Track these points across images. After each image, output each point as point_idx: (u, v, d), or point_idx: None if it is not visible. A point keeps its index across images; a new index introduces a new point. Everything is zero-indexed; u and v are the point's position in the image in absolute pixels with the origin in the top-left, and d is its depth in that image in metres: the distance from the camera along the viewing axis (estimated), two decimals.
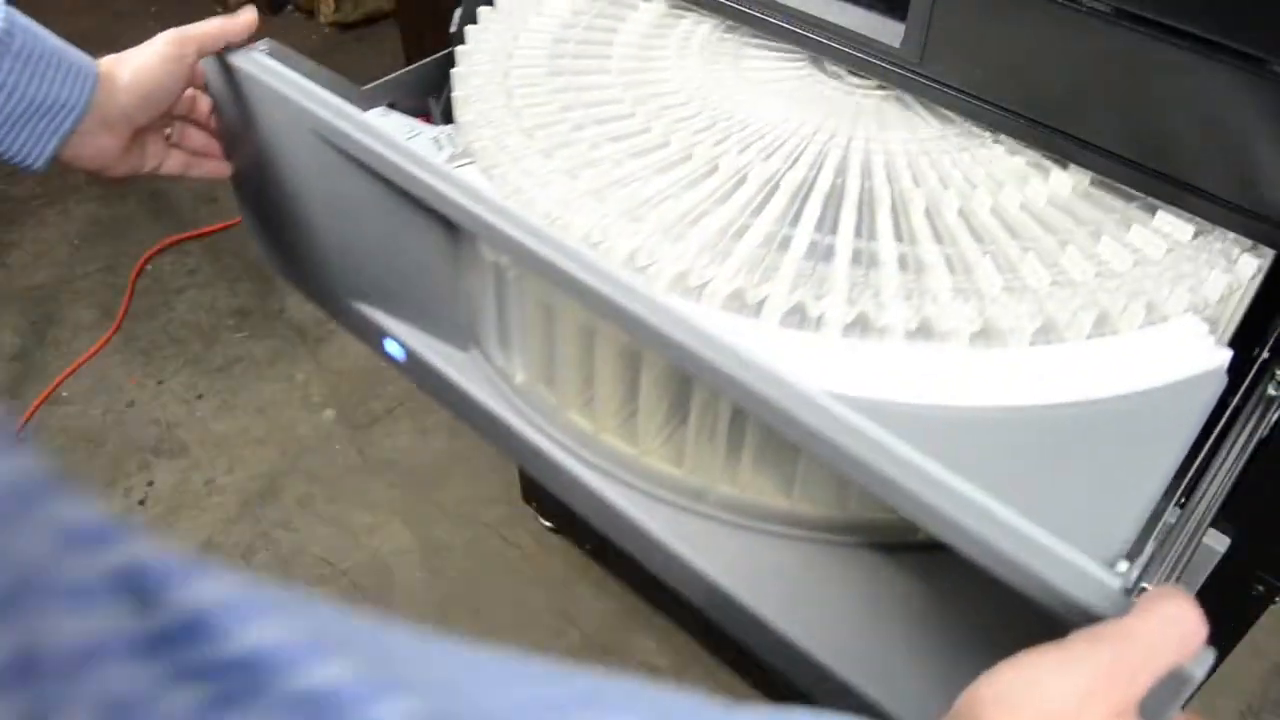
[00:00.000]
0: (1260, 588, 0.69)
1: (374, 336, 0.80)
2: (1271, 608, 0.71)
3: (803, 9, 0.79)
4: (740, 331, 0.62)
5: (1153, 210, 0.72)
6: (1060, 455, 0.63)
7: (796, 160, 0.74)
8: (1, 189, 2.35)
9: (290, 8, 2.47)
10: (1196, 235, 0.70)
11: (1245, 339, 0.73)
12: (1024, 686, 0.38)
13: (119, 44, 0.73)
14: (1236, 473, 0.61)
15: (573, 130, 0.75)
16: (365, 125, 0.67)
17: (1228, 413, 0.65)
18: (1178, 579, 0.58)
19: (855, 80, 0.84)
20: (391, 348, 0.79)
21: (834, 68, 0.85)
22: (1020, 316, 0.64)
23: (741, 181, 0.72)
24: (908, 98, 0.82)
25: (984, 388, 0.60)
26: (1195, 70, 0.62)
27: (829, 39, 0.79)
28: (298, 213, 0.79)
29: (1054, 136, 0.71)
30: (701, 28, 0.90)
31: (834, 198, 0.71)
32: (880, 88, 0.83)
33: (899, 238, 0.69)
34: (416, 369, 0.78)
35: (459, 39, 0.85)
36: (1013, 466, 0.61)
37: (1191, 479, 0.61)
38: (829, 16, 0.78)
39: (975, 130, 0.80)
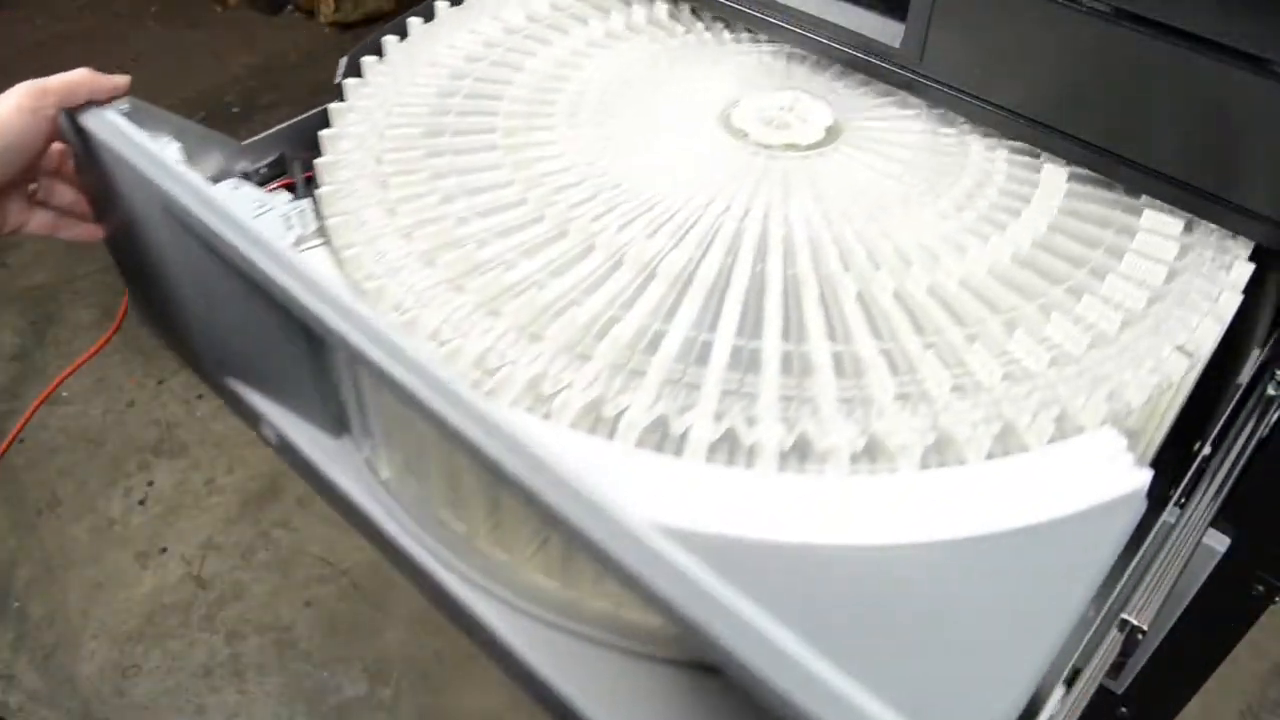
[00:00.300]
0: (1260, 588, 0.66)
1: (250, 416, 0.72)
2: (1271, 608, 0.67)
3: (803, 9, 0.77)
4: (590, 455, 0.53)
5: (1096, 280, 0.63)
6: (947, 600, 0.53)
7: (683, 238, 0.64)
8: None
9: (290, 8, 2.37)
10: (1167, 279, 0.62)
11: (1186, 432, 0.64)
12: None
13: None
14: (1236, 473, 0.58)
15: (441, 203, 0.66)
16: (206, 200, 0.58)
17: (1223, 417, 0.61)
18: (1177, 580, 0.54)
19: (762, 139, 0.74)
20: (266, 430, 0.71)
21: (740, 124, 0.74)
22: (912, 431, 0.54)
23: (617, 265, 0.62)
24: (815, 156, 0.73)
25: (859, 521, 0.51)
26: (1196, 69, 0.59)
27: (829, 39, 0.77)
28: (163, 282, 0.70)
29: (1054, 136, 0.68)
30: (602, 77, 0.81)
31: (719, 284, 0.61)
32: (790, 147, 0.73)
33: (786, 334, 0.59)
34: (288, 453, 0.70)
35: (339, 94, 0.76)
36: (890, 615, 0.52)
37: (1191, 479, 0.57)
38: (829, 16, 0.75)
39: (893, 193, 0.69)
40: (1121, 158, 0.66)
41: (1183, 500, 0.57)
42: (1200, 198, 0.64)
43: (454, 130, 0.72)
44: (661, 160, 0.71)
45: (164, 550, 1.64)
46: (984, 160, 0.73)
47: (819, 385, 0.56)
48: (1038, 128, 0.68)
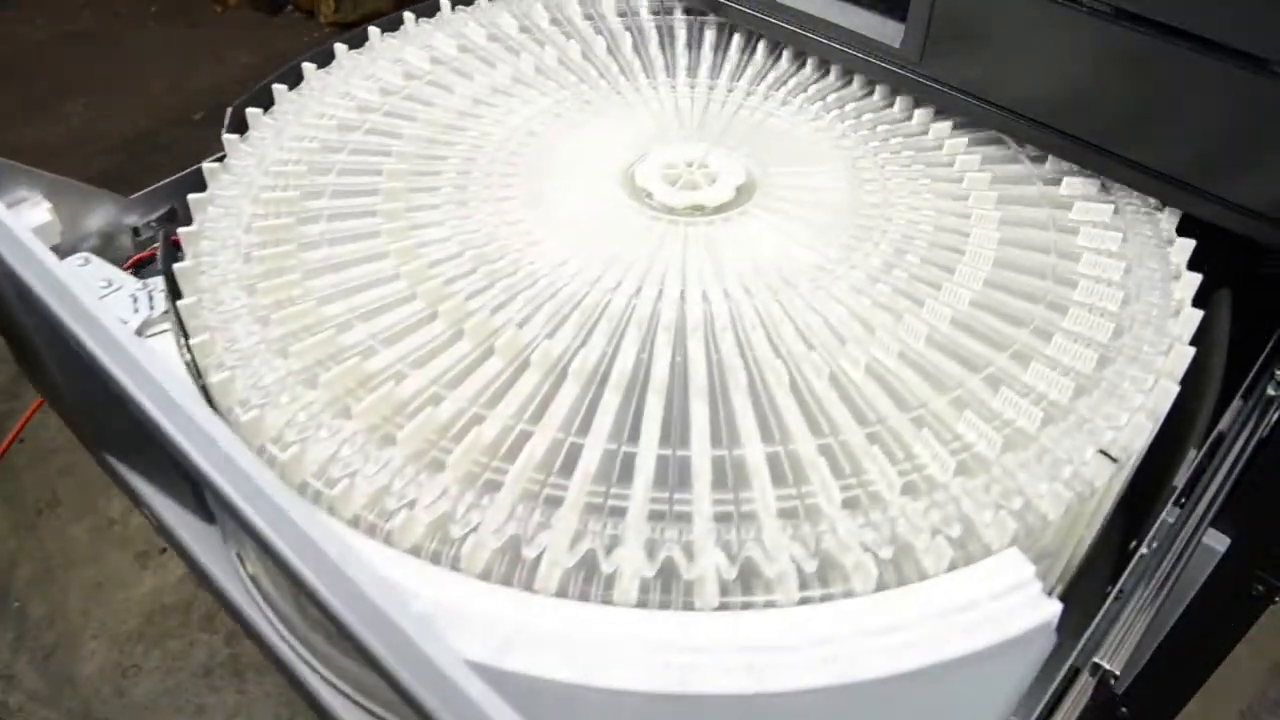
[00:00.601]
0: (1260, 588, 0.63)
1: (131, 495, 0.66)
2: (1271, 608, 0.65)
3: (803, 9, 0.74)
4: (428, 585, 0.46)
5: (1019, 366, 0.54)
6: None
7: (564, 321, 0.56)
8: None
9: (290, 8, 2.28)
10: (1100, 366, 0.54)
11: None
12: None
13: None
14: (1236, 473, 0.55)
15: (305, 278, 0.58)
16: (44, 276, 0.52)
17: (1227, 413, 0.58)
18: (1177, 579, 0.52)
19: (666, 201, 0.66)
20: (146, 510, 0.65)
21: (644, 184, 0.66)
22: (792, 558, 0.46)
23: (488, 354, 0.55)
24: (721, 221, 0.65)
25: (723, 666, 0.43)
26: (1200, 70, 0.57)
27: (829, 39, 0.74)
28: (32, 350, 0.64)
29: (1054, 136, 0.65)
30: (502, 130, 0.73)
31: (598, 376, 0.54)
32: (695, 210, 0.65)
33: (666, 437, 0.51)
34: (166, 536, 0.64)
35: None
36: None
37: (1191, 479, 0.54)
38: (829, 17, 0.72)
39: (805, 262, 0.61)
40: (1122, 157, 0.63)
41: (1183, 500, 0.54)
42: (1202, 198, 0.61)
43: (333, 192, 0.65)
44: (553, 227, 0.64)
45: (164, 550, 1.60)
46: (908, 223, 0.65)
47: (695, 497, 0.49)
48: (1038, 128, 0.65)
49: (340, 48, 0.80)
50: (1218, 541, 0.60)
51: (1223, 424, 0.58)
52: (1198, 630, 0.64)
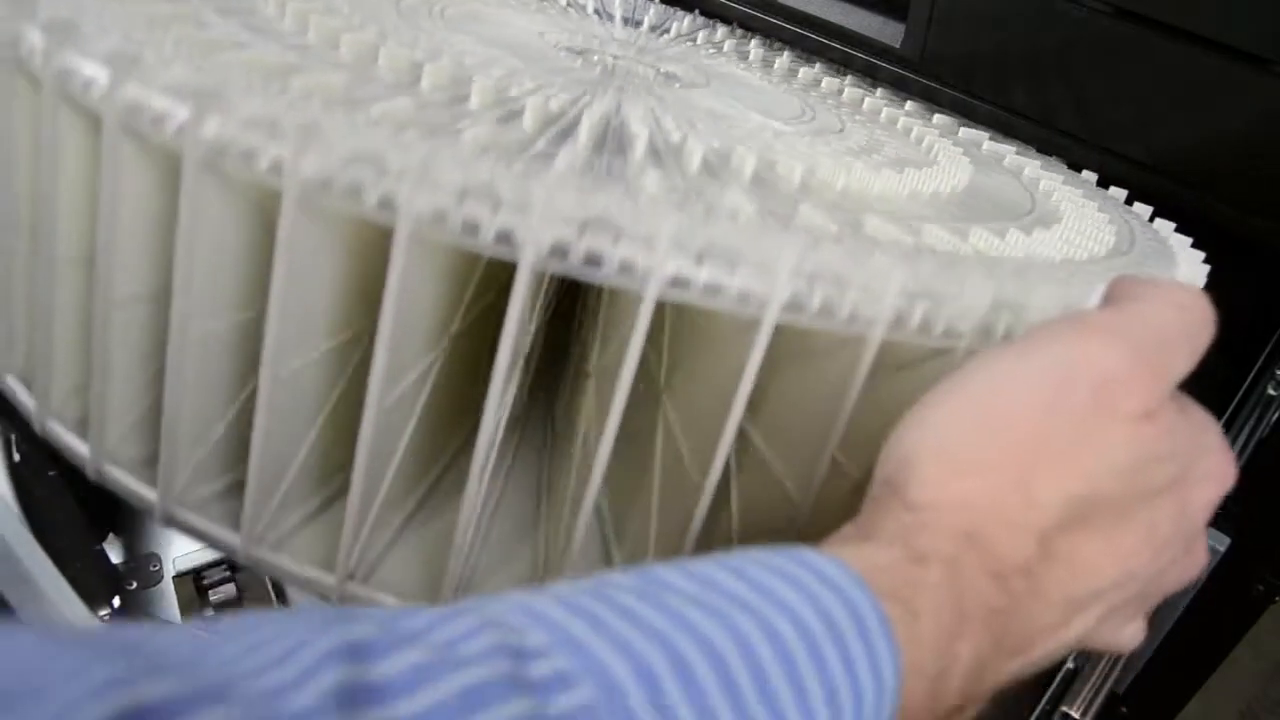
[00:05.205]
0: (1260, 588, 0.58)
1: None
2: (1271, 608, 0.60)
3: (803, 9, 0.67)
4: None
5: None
6: None
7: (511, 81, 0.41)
8: None
9: None
10: None
11: None
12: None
13: None
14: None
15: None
16: None
17: (1227, 413, 0.54)
18: None
19: (616, 46, 0.55)
20: None
21: (588, 45, 0.54)
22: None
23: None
24: (675, 87, 0.53)
25: None
26: (1201, 70, 0.50)
27: (829, 39, 0.67)
28: None
29: (1055, 137, 0.59)
30: None
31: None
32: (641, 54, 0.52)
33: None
34: None
35: None
36: None
37: None
38: (829, 17, 0.66)
39: (767, 130, 0.48)
40: (1127, 158, 0.56)
41: None
42: (1208, 198, 0.54)
43: None
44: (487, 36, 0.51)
45: None
46: (869, 139, 0.54)
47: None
48: (1040, 129, 0.59)
49: None
50: (1218, 541, 0.55)
51: (1222, 423, 0.51)
52: (1198, 630, 0.59)
